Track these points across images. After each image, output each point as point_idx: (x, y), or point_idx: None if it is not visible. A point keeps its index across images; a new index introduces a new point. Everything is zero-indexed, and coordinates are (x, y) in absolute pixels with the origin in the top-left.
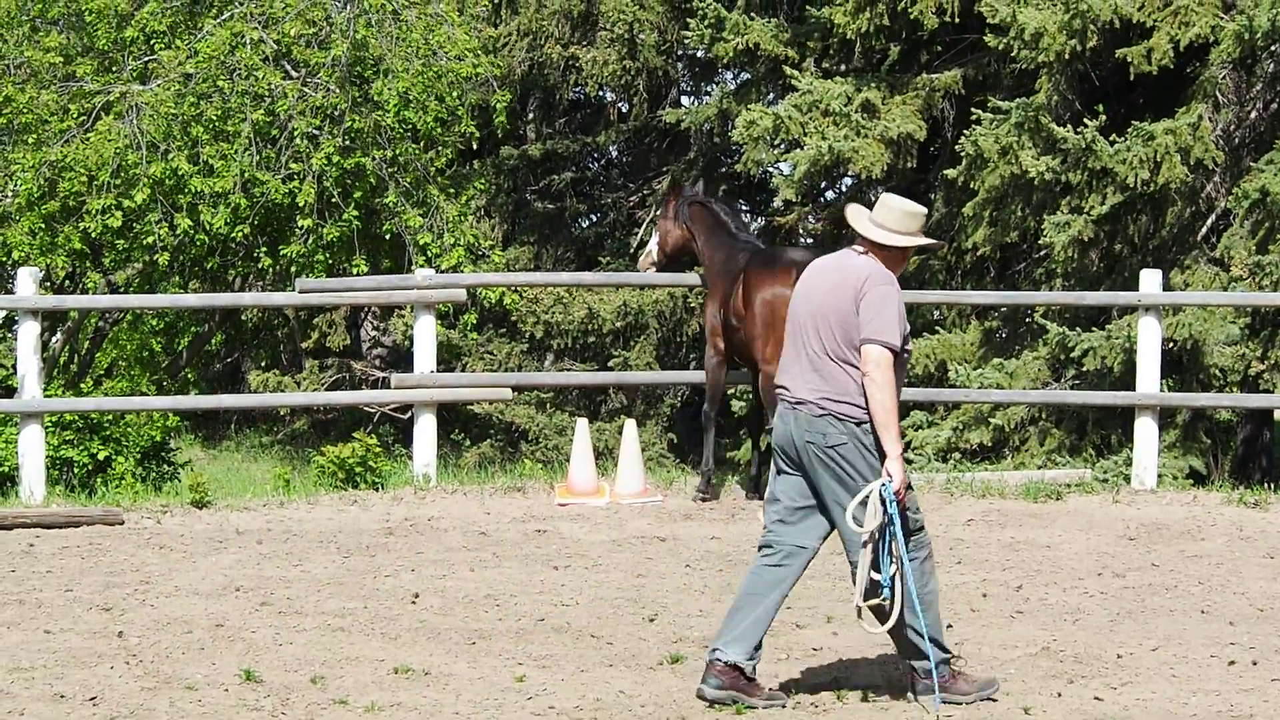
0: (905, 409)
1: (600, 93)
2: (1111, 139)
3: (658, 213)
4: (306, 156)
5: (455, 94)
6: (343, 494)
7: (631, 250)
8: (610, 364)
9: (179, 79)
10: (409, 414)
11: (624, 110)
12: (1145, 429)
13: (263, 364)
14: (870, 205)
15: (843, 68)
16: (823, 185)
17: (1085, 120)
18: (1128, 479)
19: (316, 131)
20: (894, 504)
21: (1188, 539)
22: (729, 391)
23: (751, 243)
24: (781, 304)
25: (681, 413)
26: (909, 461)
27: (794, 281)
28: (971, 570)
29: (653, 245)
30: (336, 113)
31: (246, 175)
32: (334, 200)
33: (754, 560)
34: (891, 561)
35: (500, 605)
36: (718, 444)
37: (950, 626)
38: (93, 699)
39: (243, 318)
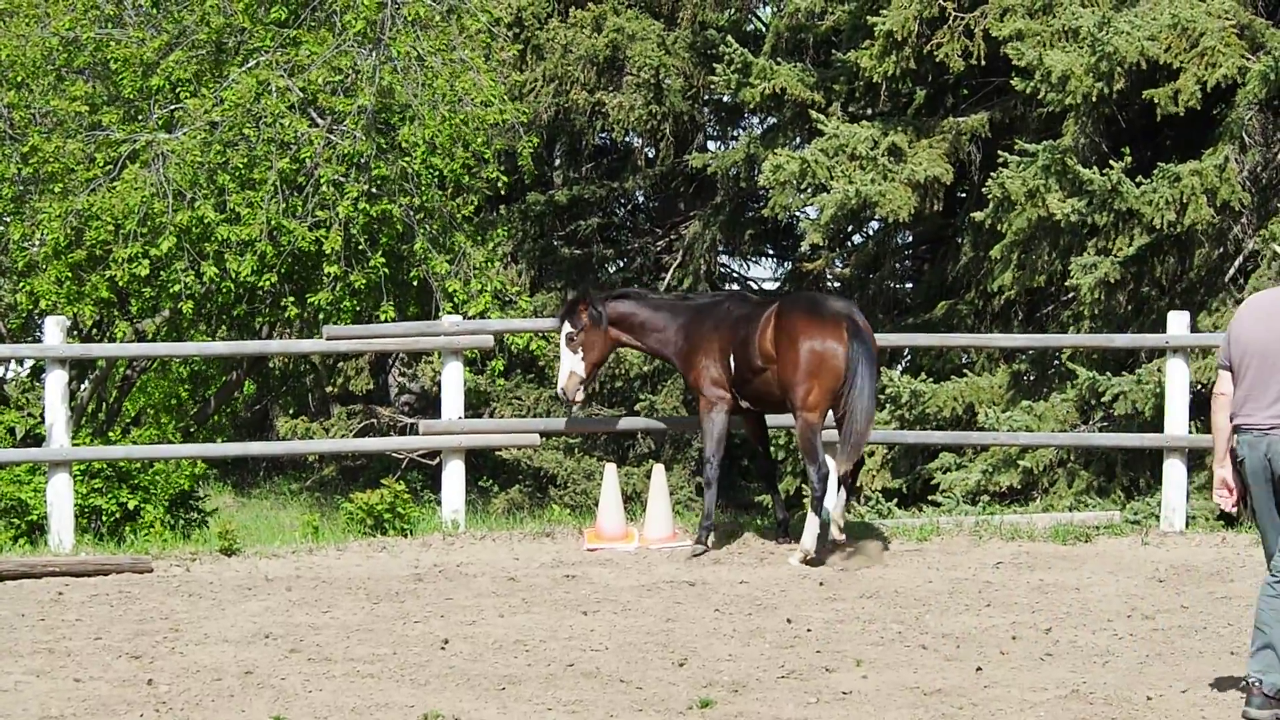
0: (933, 452)
1: (626, 138)
2: (1138, 181)
3: (565, 333)
4: (333, 204)
5: (481, 140)
6: (371, 540)
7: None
8: (637, 408)
9: (205, 127)
10: (437, 460)
11: (650, 155)
12: (1174, 471)
13: (291, 411)
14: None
15: (869, 111)
16: (849, 229)
17: (1111, 162)
18: (1157, 520)
19: (343, 179)
20: None
21: (1217, 580)
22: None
23: (728, 293)
24: (832, 356)
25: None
26: (936, 504)
27: (845, 336)
28: (1001, 613)
29: (572, 367)
30: (363, 160)
31: (273, 223)
32: (361, 247)
33: (1263, 589)
34: None
35: (530, 650)
36: (738, 490)
37: (979, 669)
38: None
39: (270, 365)
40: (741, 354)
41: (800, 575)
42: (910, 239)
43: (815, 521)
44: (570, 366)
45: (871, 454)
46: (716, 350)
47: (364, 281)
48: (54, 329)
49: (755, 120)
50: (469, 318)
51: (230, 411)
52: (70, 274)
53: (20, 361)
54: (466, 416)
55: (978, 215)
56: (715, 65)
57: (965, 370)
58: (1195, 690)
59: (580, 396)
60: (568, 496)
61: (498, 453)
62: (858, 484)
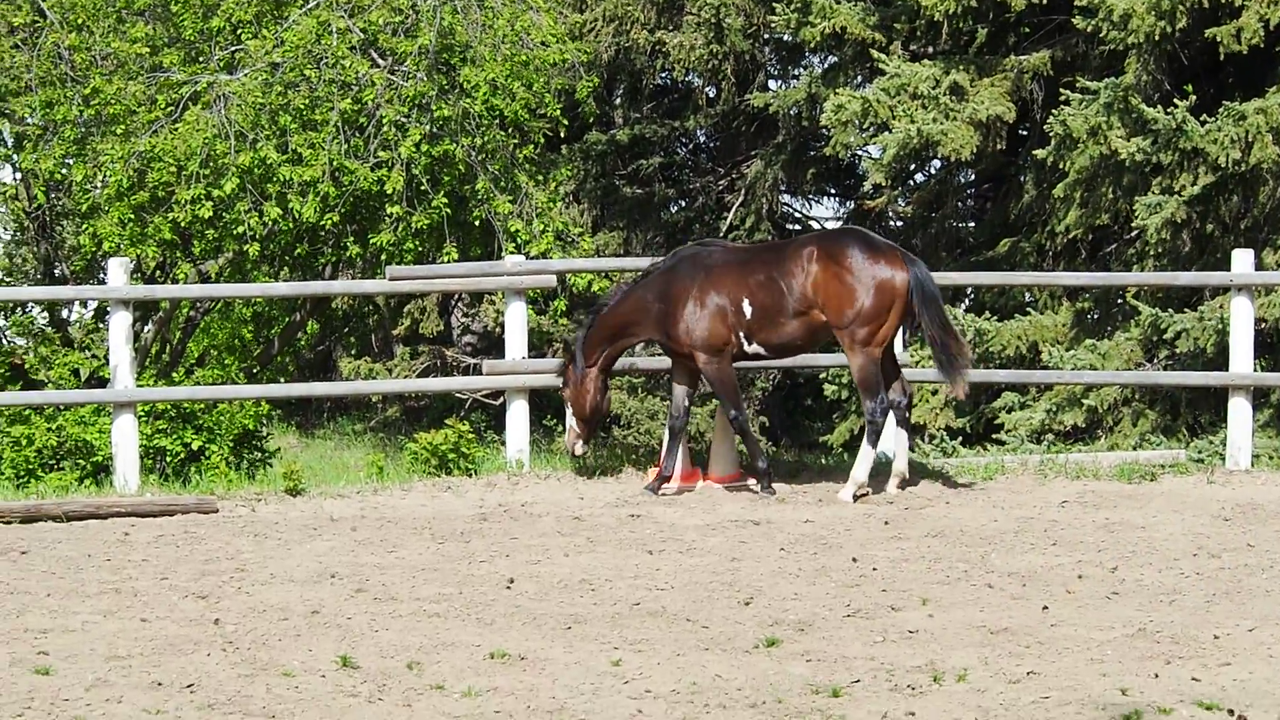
0: (997, 390)
1: (687, 77)
2: (1202, 119)
3: (565, 393)
4: (395, 145)
5: (542, 80)
6: (436, 480)
7: (722, 234)
8: None
9: (266, 68)
10: (501, 400)
11: (711, 95)
12: (1239, 409)
13: (354, 352)
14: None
15: (930, 50)
16: (911, 168)
17: (1175, 100)
18: (1222, 459)
19: (405, 119)
20: None
21: None
22: (820, 376)
23: (690, 246)
24: (902, 288)
25: (773, 396)
26: (1000, 443)
27: (904, 264)
28: (1067, 552)
29: (570, 421)
30: (424, 101)
31: (335, 164)
32: (423, 188)
33: None
34: None
35: (595, 590)
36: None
37: (1046, 608)
38: (190, 686)
39: (333, 306)
40: (765, 296)
41: (865, 514)
42: (973, 177)
43: (870, 454)
44: (569, 423)
45: (935, 392)
46: (713, 298)
47: (426, 222)
48: (117, 271)
49: (816, 59)
50: (531, 258)
51: (294, 352)
52: (133, 216)
53: (84, 303)
54: (530, 356)
55: (1040, 153)
56: (775, 4)
57: (1029, 309)
58: (1262, 629)
59: (579, 450)
60: (631, 436)
61: (561, 392)
62: (913, 422)
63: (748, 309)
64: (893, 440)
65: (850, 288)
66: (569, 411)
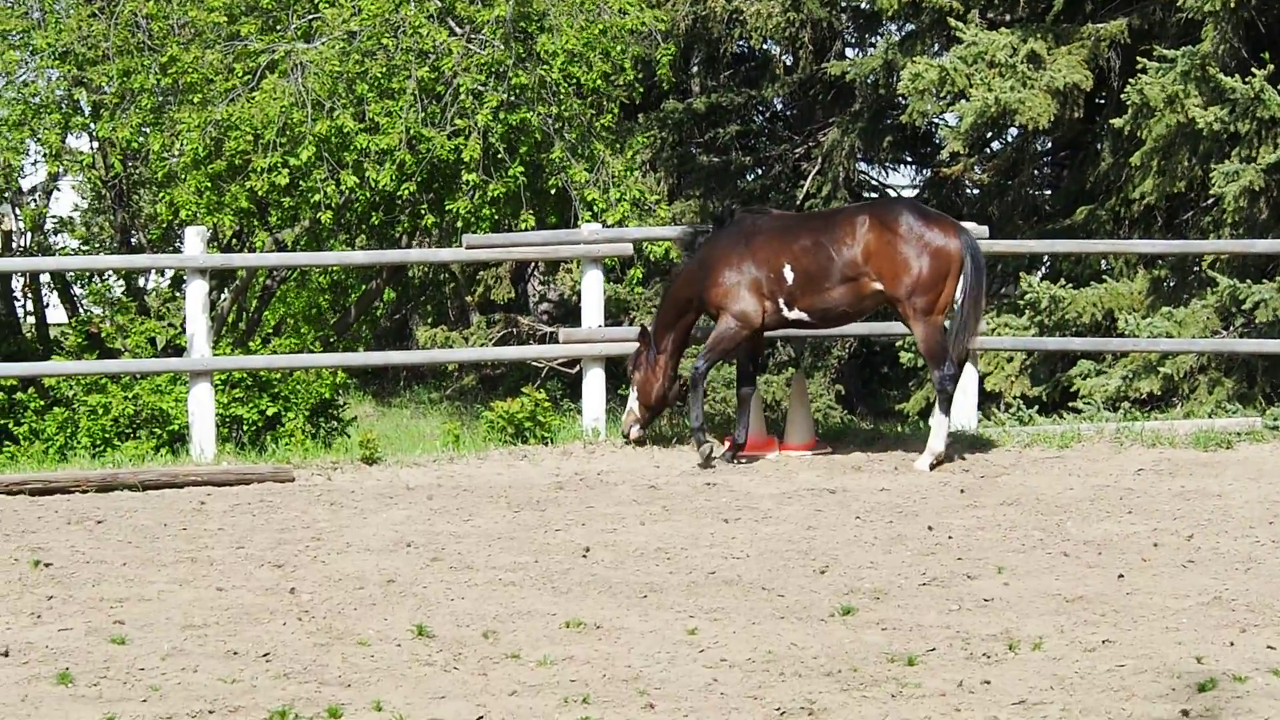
0: (1073, 358)
1: (765, 45)
2: None
3: (634, 376)
4: (471, 113)
5: (619, 48)
6: (512, 449)
7: (798, 202)
8: None
9: (343, 37)
10: (577, 368)
11: (788, 63)
12: None
13: (430, 320)
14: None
15: (1008, 18)
16: (988, 136)
17: (1252, 69)
18: None
19: (481, 88)
20: None
21: None
22: (897, 344)
23: (752, 210)
24: (957, 256)
25: (849, 364)
26: (1076, 411)
27: (958, 234)
28: (1142, 520)
29: (632, 402)
30: (501, 69)
31: (412, 132)
32: (499, 156)
33: None
34: None
35: (671, 558)
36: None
37: (1121, 576)
38: (266, 655)
39: (410, 274)
40: (811, 262)
41: (940, 483)
42: (1049, 145)
43: (944, 421)
44: (630, 404)
45: (1011, 360)
46: (750, 264)
47: (502, 190)
48: (194, 239)
49: (893, 27)
50: (608, 226)
51: (370, 320)
52: (210, 184)
53: (161, 272)
54: (606, 325)
55: (1117, 121)
56: None
57: (1105, 276)
58: None
59: (635, 433)
60: (707, 405)
61: (631, 374)
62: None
63: (789, 275)
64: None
65: (905, 256)
66: (633, 393)
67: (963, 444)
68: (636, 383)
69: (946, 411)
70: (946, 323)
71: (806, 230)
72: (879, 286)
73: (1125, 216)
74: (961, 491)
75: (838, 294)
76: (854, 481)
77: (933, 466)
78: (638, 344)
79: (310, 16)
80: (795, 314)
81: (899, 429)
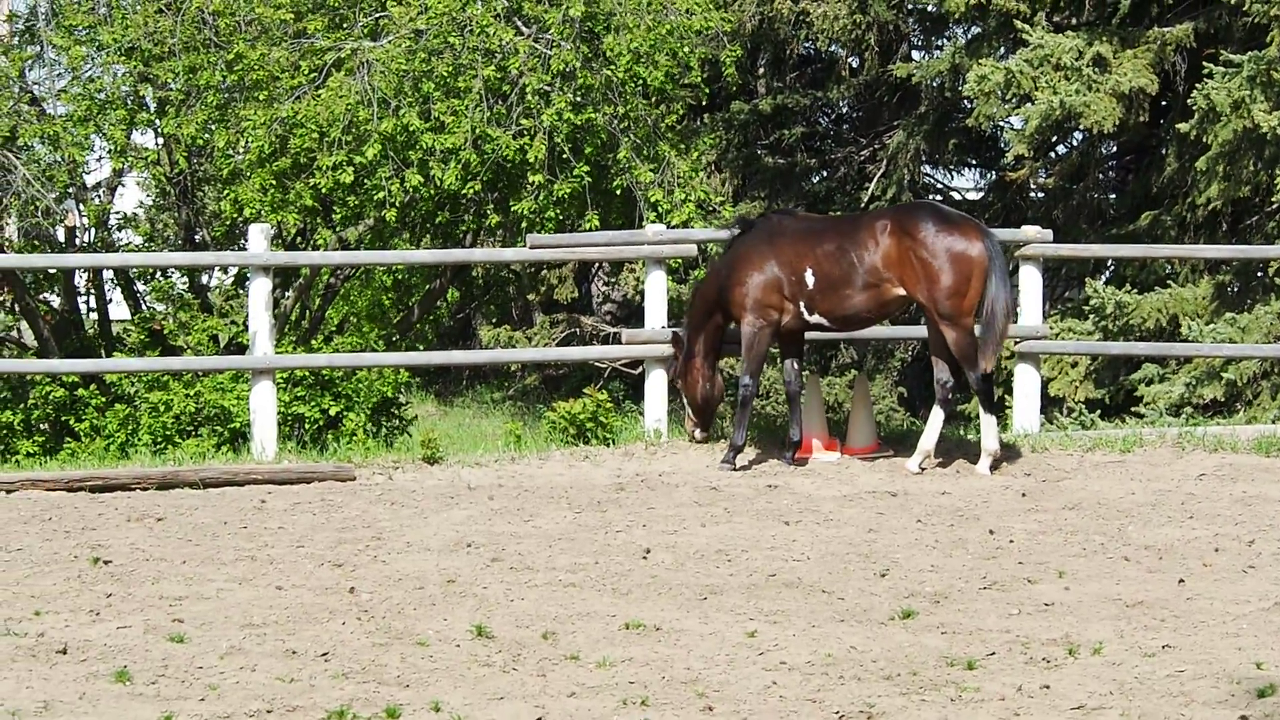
0: (1136, 363)
1: (831, 47)
2: None
3: (677, 383)
4: (537, 113)
5: (686, 49)
6: (574, 450)
7: (863, 205)
8: None
9: (410, 35)
10: (640, 369)
11: (854, 65)
12: None
13: (493, 320)
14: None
15: (1074, 21)
16: (1053, 139)
17: None
18: None
19: (548, 88)
20: None
21: None
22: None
23: (779, 213)
24: (980, 259)
25: (912, 367)
26: (1138, 416)
27: (982, 236)
28: (1204, 525)
29: (686, 408)
30: (568, 69)
31: (477, 131)
32: (565, 156)
33: None
34: None
35: (731, 560)
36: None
37: (1182, 581)
38: (324, 654)
39: (473, 273)
40: (833, 267)
41: (1002, 486)
42: (1114, 149)
43: (992, 421)
44: (687, 410)
45: (1075, 364)
46: (772, 265)
47: (567, 190)
48: (258, 237)
49: (960, 30)
50: (672, 227)
51: (433, 320)
52: (274, 182)
53: (224, 269)
54: (669, 326)
55: (1183, 126)
56: None
57: (1169, 281)
58: None
59: (699, 436)
60: (770, 406)
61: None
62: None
63: (810, 279)
64: (932, 418)
65: (926, 263)
66: (685, 399)
67: (1025, 448)
68: (681, 390)
69: (991, 410)
70: (977, 326)
71: (831, 234)
72: (901, 292)
73: (1190, 222)
74: (1023, 495)
75: (859, 300)
76: (915, 484)
77: (993, 468)
78: (672, 351)
79: (377, 14)
80: (815, 318)
81: (961, 432)
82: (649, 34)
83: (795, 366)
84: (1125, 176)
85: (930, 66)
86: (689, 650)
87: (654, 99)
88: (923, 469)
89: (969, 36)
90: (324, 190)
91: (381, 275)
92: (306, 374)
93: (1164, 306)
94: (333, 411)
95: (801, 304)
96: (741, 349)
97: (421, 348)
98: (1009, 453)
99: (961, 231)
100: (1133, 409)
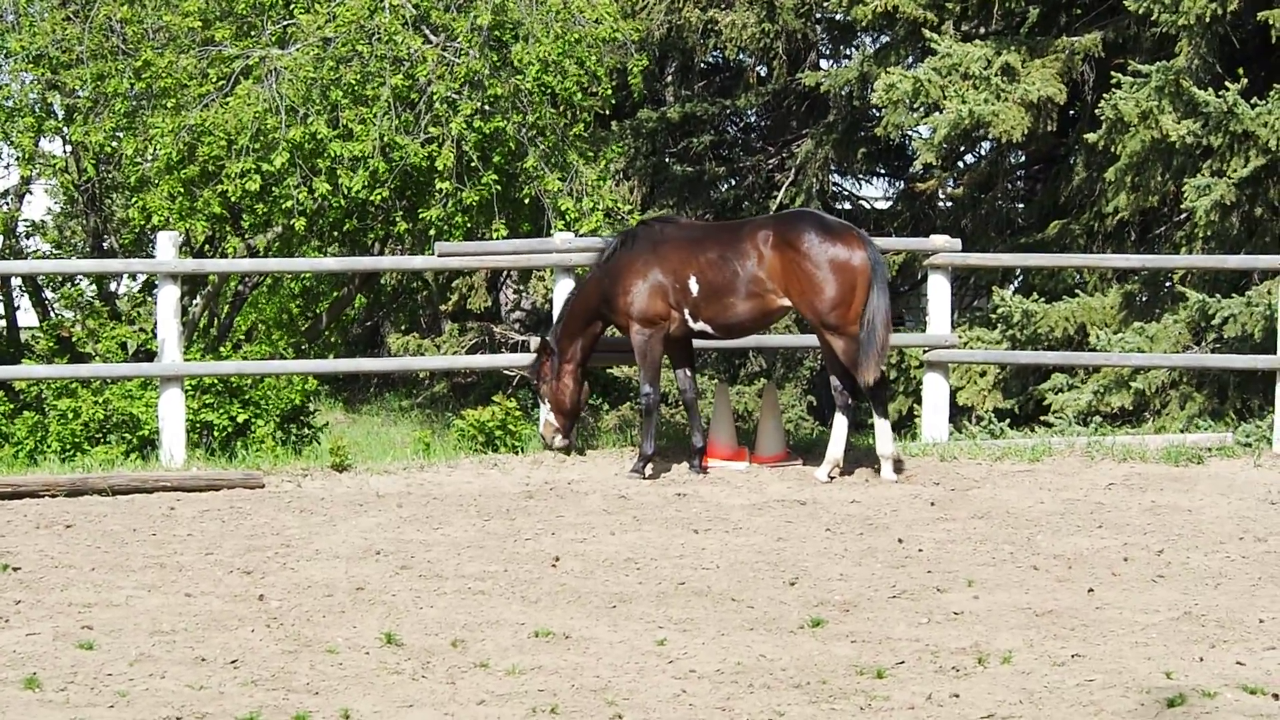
0: (1045, 372)
1: (739, 56)
2: (1252, 102)
3: (543, 388)
4: (446, 121)
5: (594, 58)
6: (483, 457)
7: (772, 212)
8: None
9: (318, 43)
10: None
11: (763, 73)
12: None
13: (402, 327)
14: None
15: (982, 30)
16: (962, 149)
17: (1226, 84)
18: (1269, 443)
19: (456, 96)
20: None
21: None
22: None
23: (660, 219)
24: (862, 268)
25: (821, 375)
26: (1048, 425)
27: (863, 245)
28: (1113, 534)
29: (546, 414)
30: (476, 78)
31: (385, 139)
32: (473, 164)
33: None
34: None
35: (640, 568)
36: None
37: (1091, 591)
38: (234, 662)
39: (382, 281)
40: (716, 277)
41: (911, 495)
42: (1023, 159)
43: (885, 425)
44: (545, 417)
45: (983, 374)
46: (656, 273)
47: (476, 198)
48: (166, 244)
49: (868, 39)
50: (581, 235)
51: (341, 327)
52: (183, 189)
53: (133, 276)
54: (540, 334)
55: (1091, 136)
56: None
57: (1078, 290)
58: None
59: (559, 442)
60: (679, 415)
61: (608, 370)
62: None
63: (694, 286)
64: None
65: (809, 274)
66: (544, 406)
67: (934, 457)
68: (546, 395)
69: (883, 415)
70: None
71: (713, 242)
72: (785, 303)
73: (1098, 231)
74: (932, 504)
75: (743, 309)
76: (824, 493)
77: (897, 470)
78: (536, 358)
79: (285, 23)
80: (699, 325)
81: (870, 441)
82: (557, 43)
83: (688, 374)
84: (1034, 186)
85: (839, 75)
86: (598, 658)
87: (562, 107)
88: (832, 478)
89: (877, 45)
90: (232, 198)
91: (290, 283)
92: (215, 381)
93: (1072, 315)
94: (241, 419)
95: (686, 311)
96: (635, 358)
97: (331, 355)
98: (918, 462)
99: (844, 241)
100: (1041, 418)
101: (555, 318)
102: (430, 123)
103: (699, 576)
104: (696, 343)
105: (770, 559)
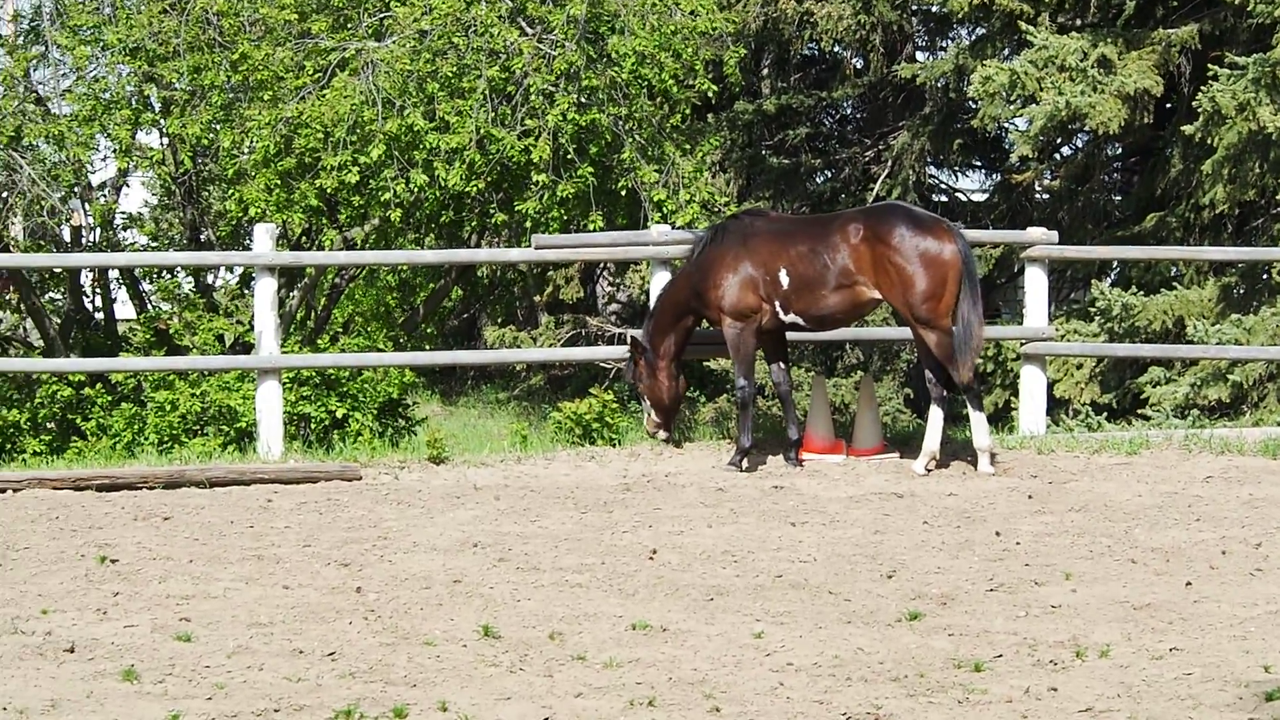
0: (1142, 365)
1: (835, 48)
2: None
3: (640, 386)
4: (542, 113)
5: (690, 50)
6: (579, 450)
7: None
8: None
9: (414, 35)
10: None
11: (859, 65)
12: None
13: (499, 320)
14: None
15: (1078, 22)
16: (1058, 141)
17: None
18: None
19: (552, 88)
20: None
21: None
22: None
23: (750, 213)
24: (953, 260)
25: (919, 368)
26: (1145, 418)
27: (954, 238)
28: (1210, 528)
29: (649, 409)
30: (573, 70)
31: (482, 131)
32: (569, 157)
33: None
34: None
35: (738, 561)
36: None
37: (1189, 584)
38: (331, 654)
39: (478, 273)
40: (806, 268)
41: (1008, 488)
42: (1119, 151)
43: (981, 418)
44: (648, 412)
45: (1080, 366)
46: (747, 266)
47: (572, 191)
48: (263, 237)
49: (964, 30)
50: (677, 227)
51: (438, 320)
52: (279, 182)
53: (230, 269)
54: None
55: (1188, 128)
56: None
57: (1175, 283)
58: None
59: (662, 435)
60: (777, 407)
61: (705, 363)
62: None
63: (785, 279)
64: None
65: (900, 267)
66: (646, 403)
67: (1031, 449)
68: (645, 393)
69: (978, 407)
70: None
71: (803, 235)
72: (876, 295)
73: (1195, 223)
74: (1029, 497)
75: (833, 300)
76: (922, 486)
77: (993, 462)
78: (629, 357)
79: (381, 15)
80: (790, 318)
81: (966, 433)
82: (654, 35)
83: (782, 367)
84: (1130, 178)
85: (935, 67)
86: (696, 651)
87: (658, 100)
88: (928, 470)
89: (973, 37)
90: (329, 190)
91: (386, 275)
92: (312, 374)
93: (1169, 308)
94: (339, 412)
95: (777, 303)
96: (731, 353)
97: (428, 348)
98: (1015, 455)
99: (934, 234)
100: (1139, 411)
101: (647, 314)
102: (526, 115)
103: (796, 569)
104: (791, 336)
105: (867, 552)
